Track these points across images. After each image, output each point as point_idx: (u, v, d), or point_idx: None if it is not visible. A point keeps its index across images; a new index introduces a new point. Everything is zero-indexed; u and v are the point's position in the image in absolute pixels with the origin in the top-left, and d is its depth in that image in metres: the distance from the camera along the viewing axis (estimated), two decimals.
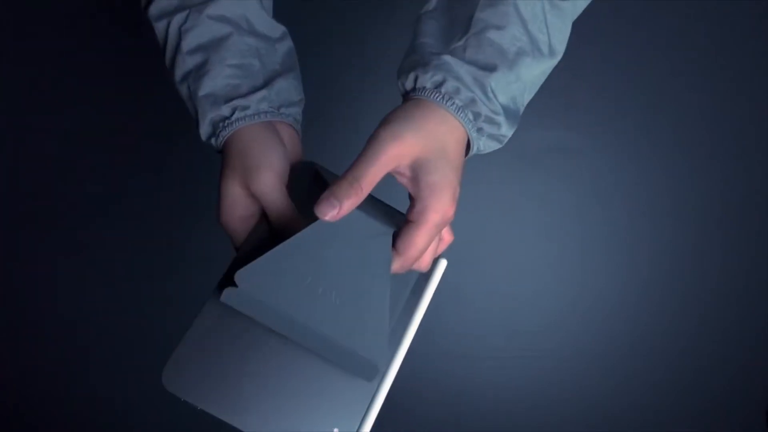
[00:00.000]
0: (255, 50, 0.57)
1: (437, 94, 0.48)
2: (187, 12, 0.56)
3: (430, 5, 0.53)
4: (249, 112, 0.54)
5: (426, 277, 0.54)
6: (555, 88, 1.21)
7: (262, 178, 0.51)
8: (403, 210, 0.50)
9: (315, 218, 0.47)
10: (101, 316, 1.18)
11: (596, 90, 1.22)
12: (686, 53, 1.23)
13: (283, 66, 0.59)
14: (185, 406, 0.48)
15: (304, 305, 0.47)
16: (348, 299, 0.48)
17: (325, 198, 0.45)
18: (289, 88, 0.58)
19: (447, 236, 0.51)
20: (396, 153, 0.46)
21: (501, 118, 0.49)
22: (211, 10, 0.56)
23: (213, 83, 0.55)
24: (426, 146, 0.47)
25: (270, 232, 0.53)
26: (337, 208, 0.45)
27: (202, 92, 0.55)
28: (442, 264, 0.54)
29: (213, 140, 0.55)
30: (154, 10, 0.57)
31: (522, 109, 0.52)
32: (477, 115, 0.49)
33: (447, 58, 0.48)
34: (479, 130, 0.50)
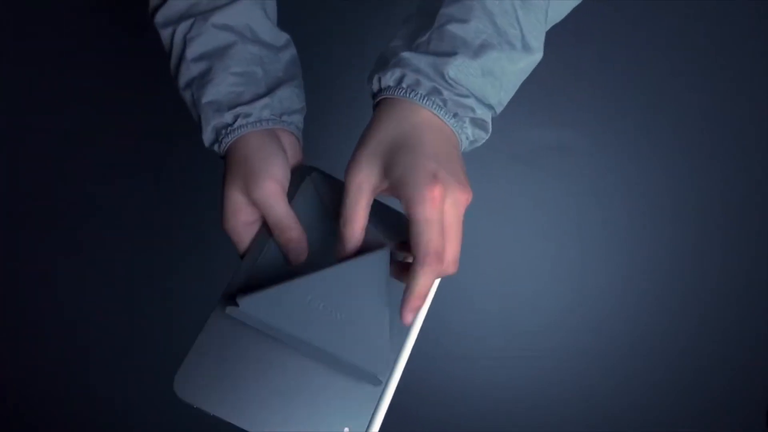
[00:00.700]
0: (258, 59, 0.58)
1: (400, 90, 0.48)
2: (192, 20, 0.57)
3: (411, 11, 0.54)
4: (251, 119, 0.55)
5: None
6: (555, 88, 1.22)
7: (263, 186, 0.52)
8: None
9: (314, 227, 0.50)
10: (101, 316, 1.18)
11: (596, 89, 1.22)
12: (686, 53, 1.23)
13: (286, 74, 0.60)
14: (185, 406, 0.49)
15: (305, 324, 0.48)
16: (348, 315, 0.49)
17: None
18: (291, 96, 0.59)
19: (450, 259, 0.47)
20: (359, 182, 0.47)
21: (471, 101, 0.48)
22: (216, 18, 0.57)
23: (216, 91, 0.55)
24: (385, 152, 0.47)
25: (274, 240, 0.54)
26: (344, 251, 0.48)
27: (205, 99, 0.56)
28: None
29: (216, 146, 0.56)
30: (160, 17, 0.58)
31: (496, 105, 0.50)
32: (444, 101, 0.48)
33: (405, 54, 0.48)
34: (455, 115, 0.49)
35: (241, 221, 0.54)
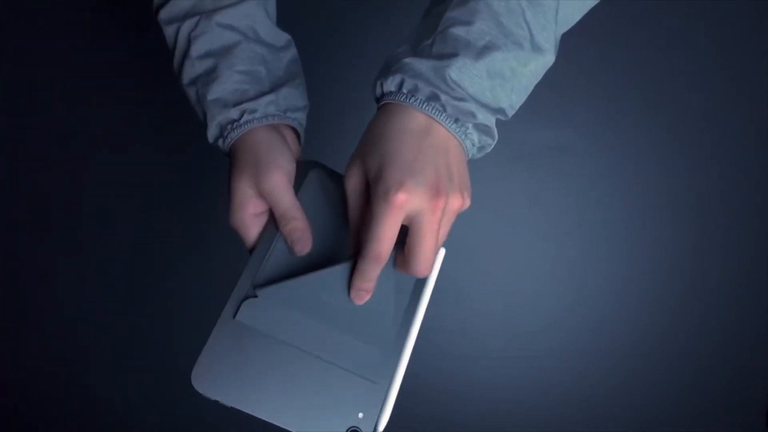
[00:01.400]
0: (261, 57, 0.59)
1: (400, 95, 0.48)
2: (197, 18, 0.58)
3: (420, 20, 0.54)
4: (257, 114, 0.56)
5: None
6: (555, 88, 1.22)
7: (271, 177, 0.53)
8: None
9: (319, 219, 0.53)
10: (101, 316, 1.18)
11: (596, 89, 1.22)
12: (686, 53, 1.23)
13: (288, 73, 0.61)
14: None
15: (305, 336, 0.51)
16: (355, 311, 0.52)
17: (354, 286, 0.51)
18: (294, 94, 0.60)
19: (422, 262, 0.48)
20: (353, 187, 0.49)
21: (471, 105, 0.47)
22: (220, 17, 0.58)
23: (222, 88, 0.57)
24: (372, 156, 0.47)
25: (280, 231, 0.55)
26: (369, 286, 0.51)
27: (211, 96, 0.57)
28: (441, 252, 0.56)
29: (220, 142, 0.57)
30: (164, 14, 0.59)
31: (507, 108, 0.50)
32: (443, 106, 0.47)
33: (407, 60, 0.48)
34: (456, 120, 0.48)
35: (249, 213, 0.55)
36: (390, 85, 0.49)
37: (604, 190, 1.21)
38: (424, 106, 0.47)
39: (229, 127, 0.56)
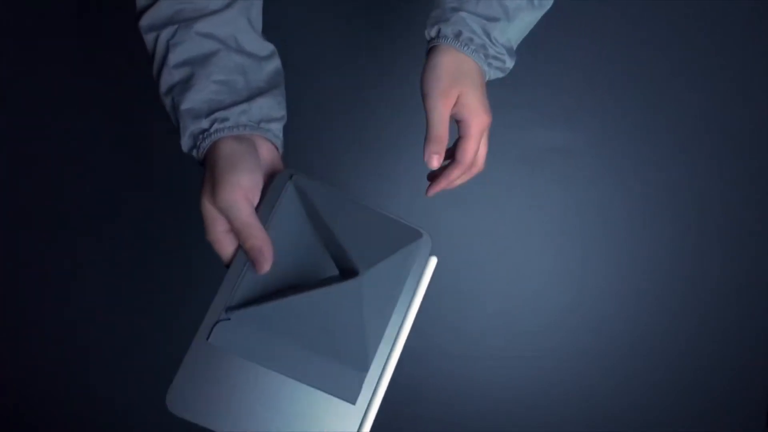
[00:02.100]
0: (241, 67, 0.57)
1: (457, 42, 0.61)
2: (176, 27, 0.57)
3: None
4: (228, 124, 0.55)
5: (417, 276, 0.54)
6: (555, 88, 1.22)
7: (225, 193, 0.51)
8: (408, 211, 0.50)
9: (297, 233, 0.52)
10: (101, 316, 1.18)
11: (596, 90, 1.22)
12: (686, 53, 1.23)
13: (269, 84, 0.59)
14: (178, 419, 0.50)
15: (280, 358, 0.51)
16: (319, 348, 0.51)
17: (428, 152, 0.59)
18: (271, 104, 0.58)
19: (480, 162, 0.64)
20: (448, 103, 0.60)
21: (505, 57, 0.64)
22: (200, 26, 0.56)
23: (196, 97, 0.55)
24: (462, 83, 0.60)
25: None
26: (437, 158, 0.59)
27: (184, 106, 0.55)
28: (432, 262, 0.55)
29: (194, 152, 0.56)
30: (145, 21, 0.58)
31: (515, 46, 0.66)
32: (486, 55, 0.63)
33: (463, 14, 0.61)
34: (489, 64, 0.63)
35: (219, 230, 0.53)
36: (448, 32, 0.61)
37: (604, 189, 1.21)
38: (473, 53, 0.61)
39: (200, 136, 0.55)
